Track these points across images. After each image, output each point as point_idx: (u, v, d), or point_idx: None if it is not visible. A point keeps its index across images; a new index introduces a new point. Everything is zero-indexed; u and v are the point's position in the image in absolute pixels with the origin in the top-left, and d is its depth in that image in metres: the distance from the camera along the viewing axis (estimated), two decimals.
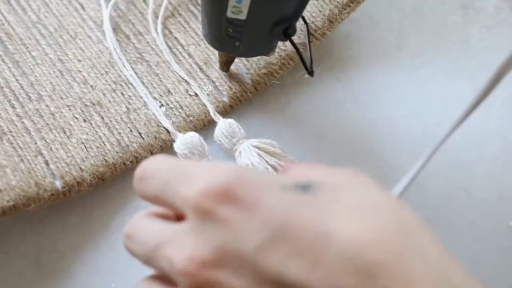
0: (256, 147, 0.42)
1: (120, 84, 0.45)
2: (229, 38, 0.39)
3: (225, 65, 0.44)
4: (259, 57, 0.46)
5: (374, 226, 0.24)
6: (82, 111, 0.43)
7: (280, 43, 0.45)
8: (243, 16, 0.36)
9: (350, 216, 0.25)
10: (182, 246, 0.27)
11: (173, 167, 0.29)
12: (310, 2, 0.46)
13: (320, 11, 0.46)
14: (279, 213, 0.25)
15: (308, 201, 0.25)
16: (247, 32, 0.38)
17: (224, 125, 0.43)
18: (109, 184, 0.43)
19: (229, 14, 0.36)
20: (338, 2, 0.46)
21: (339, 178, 0.29)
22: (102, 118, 0.43)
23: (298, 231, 0.24)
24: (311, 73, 0.41)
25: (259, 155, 0.42)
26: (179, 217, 0.31)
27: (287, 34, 0.38)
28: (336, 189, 0.27)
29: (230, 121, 0.43)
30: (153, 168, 0.30)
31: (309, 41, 0.44)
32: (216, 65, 0.45)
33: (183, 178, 0.28)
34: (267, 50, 0.41)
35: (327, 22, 0.46)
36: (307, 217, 0.25)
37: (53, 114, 0.43)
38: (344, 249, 0.23)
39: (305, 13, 0.46)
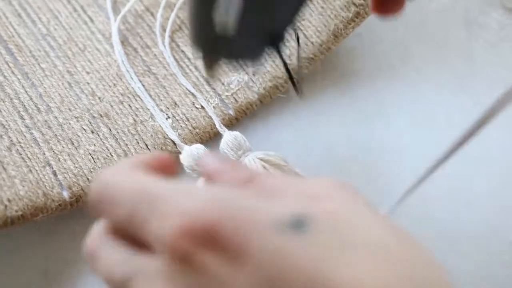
0: (261, 159, 0.43)
1: (128, 96, 0.45)
2: (215, 45, 0.39)
3: (210, 69, 0.44)
4: (265, 70, 0.46)
5: (381, 276, 0.20)
6: (90, 123, 0.44)
7: (287, 60, 0.46)
8: (230, 26, 0.36)
9: (351, 263, 0.21)
10: None
11: (140, 189, 0.24)
12: (315, 17, 0.47)
13: (325, 26, 0.47)
14: (271, 262, 0.21)
15: (304, 245, 0.21)
16: (235, 41, 0.38)
17: (229, 138, 0.44)
18: None
19: (217, 25, 0.36)
20: (343, 17, 0.46)
21: (331, 198, 0.24)
22: (110, 129, 0.44)
23: (293, 283, 0.20)
24: (298, 91, 0.40)
25: (264, 167, 0.42)
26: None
27: (276, 43, 0.38)
28: (334, 223, 0.22)
29: (236, 133, 0.44)
30: (114, 190, 0.24)
31: (299, 60, 0.44)
32: (222, 79, 0.46)
33: (154, 207, 0.23)
34: (256, 58, 0.41)
35: (332, 36, 0.46)
36: (303, 266, 0.21)
37: (61, 125, 0.43)
38: None
39: (310, 28, 0.47)
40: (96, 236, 0.26)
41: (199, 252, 0.21)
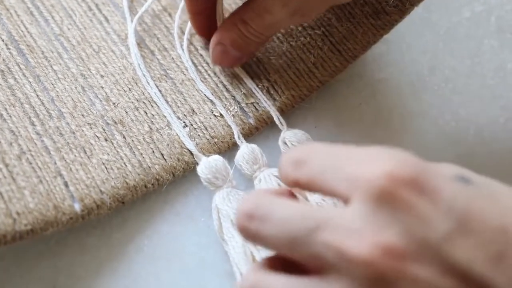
0: (277, 177, 0.41)
1: (144, 102, 0.43)
2: None
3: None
4: (288, 78, 0.44)
5: None
6: (104, 130, 0.42)
7: (312, 67, 0.44)
8: None
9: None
10: (356, 232, 0.26)
11: (333, 151, 0.29)
12: (342, 23, 0.45)
13: (353, 33, 0.44)
14: (460, 204, 0.26)
15: (478, 194, 0.26)
16: None
17: (246, 150, 0.42)
18: (128, 205, 0.41)
19: None
20: (372, 24, 0.44)
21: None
22: (124, 137, 0.42)
23: (479, 223, 0.25)
24: None
25: (279, 185, 0.40)
26: None
27: None
28: (487, 181, 0.28)
29: (253, 146, 0.42)
30: (310, 152, 0.30)
31: None
32: (242, 86, 0.44)
33: (349, 161, 0.28)
34: None
35: (359, 44, 0.44)
36: (485, 210, 0.26)
37: (73, 133, 0.41)
38: None
39: (337, 34, 0.44)
40: (257, 196, 0.30)
41: (404, 192, 0.26)
